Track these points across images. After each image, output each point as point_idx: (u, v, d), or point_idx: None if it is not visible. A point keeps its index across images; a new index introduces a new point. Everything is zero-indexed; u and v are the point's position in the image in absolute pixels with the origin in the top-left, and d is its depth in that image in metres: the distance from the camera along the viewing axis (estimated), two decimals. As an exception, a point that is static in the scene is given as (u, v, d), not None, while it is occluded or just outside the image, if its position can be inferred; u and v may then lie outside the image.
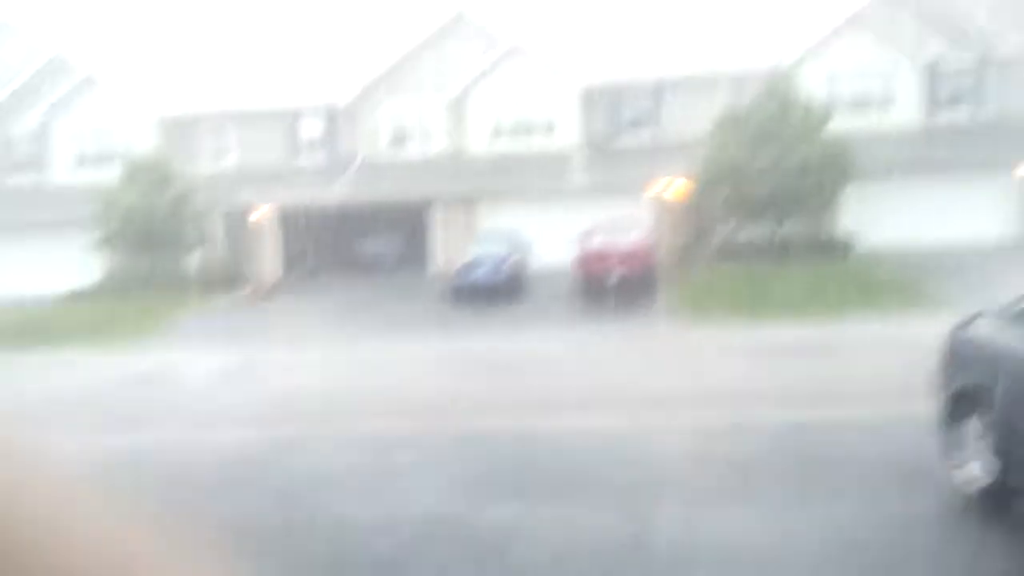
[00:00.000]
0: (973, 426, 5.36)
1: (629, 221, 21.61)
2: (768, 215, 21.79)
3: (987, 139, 24.38)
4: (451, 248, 24.84)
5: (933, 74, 25.42)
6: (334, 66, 28.63)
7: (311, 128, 28.36)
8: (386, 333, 17.34)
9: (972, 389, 5.42)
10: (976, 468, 5.25)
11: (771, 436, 7.58)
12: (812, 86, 24.32)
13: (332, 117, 28.03)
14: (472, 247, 21.65)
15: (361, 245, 27.18)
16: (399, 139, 27.82)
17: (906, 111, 25.35)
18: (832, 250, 21.44)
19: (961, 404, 5.52)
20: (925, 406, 5.97)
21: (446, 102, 27.18)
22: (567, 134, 26.72)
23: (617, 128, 27.08)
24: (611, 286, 19.34)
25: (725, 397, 9.46)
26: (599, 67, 26.83)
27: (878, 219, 23.24)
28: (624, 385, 10.83)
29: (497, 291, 20.18)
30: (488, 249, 21.17)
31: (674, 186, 24.29)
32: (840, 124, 22.72)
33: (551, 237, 22.85)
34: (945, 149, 24.07)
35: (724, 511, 5.63)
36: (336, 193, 25.52)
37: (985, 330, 5.66)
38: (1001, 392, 5.11)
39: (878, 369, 10.24)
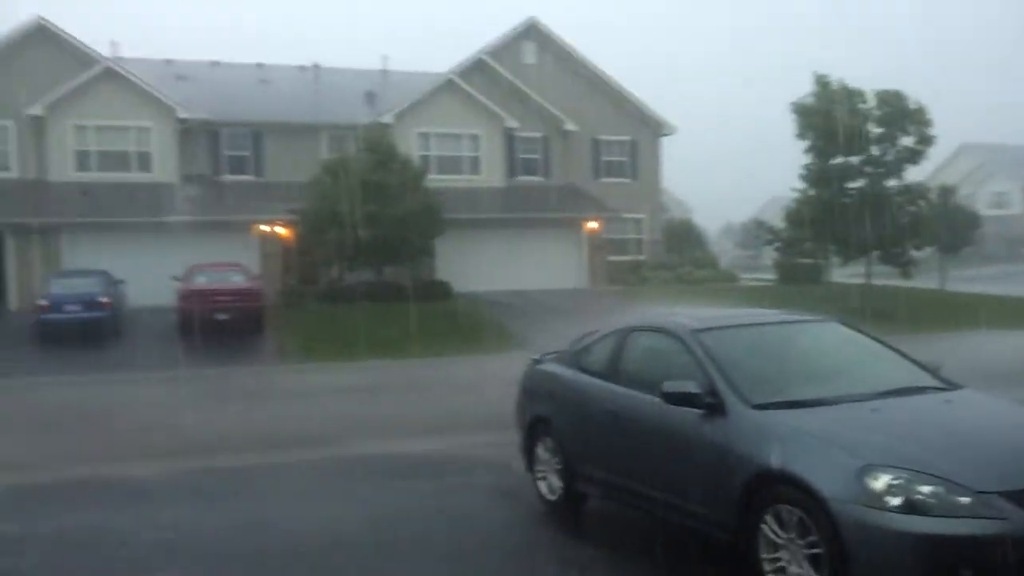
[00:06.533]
0: (544, 448, 6.53)
1: (234, 260, 21.35)
2: (372, 260, 22.86)
3: (557, 200, 28.35)
4: (29, 283, 22.44)
5: (511, 142, 28.79)
6: None
7: None
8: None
9: (541, 418, 6.57)
10: (553, 480, 6.44)
11: (394, 464, 8.35)
12: (408, 143, 26.14)
13: None
14: (55, 282, 19.66)
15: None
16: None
17: (491, 173, 28.29)
18: (432, 294, 23.07)
19: (535, 430, 6.65)
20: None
21: (24, 122, 24.55)
22: (164, 168, 25.50)
23: (217, 167, 26.53)
24: (216, 326, 18.88)
25: (331, 437, 9.70)
26: (201, 103, 26.14)
27: (472, 267, 25.70)
28: (228, 426, 10.82)
29: (89, 330, 18.65)
30: (75, 285, 19.36)
31: (278, 228, 24.49)
32: (433, 179, 24.83)
33: (146, 274, 21.68)
34: (524, 208, 27.45)
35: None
36: None
37: (549, 367, 6.77)
38: (557, 421, 6.37)
39: (478, 401, 11.29)
